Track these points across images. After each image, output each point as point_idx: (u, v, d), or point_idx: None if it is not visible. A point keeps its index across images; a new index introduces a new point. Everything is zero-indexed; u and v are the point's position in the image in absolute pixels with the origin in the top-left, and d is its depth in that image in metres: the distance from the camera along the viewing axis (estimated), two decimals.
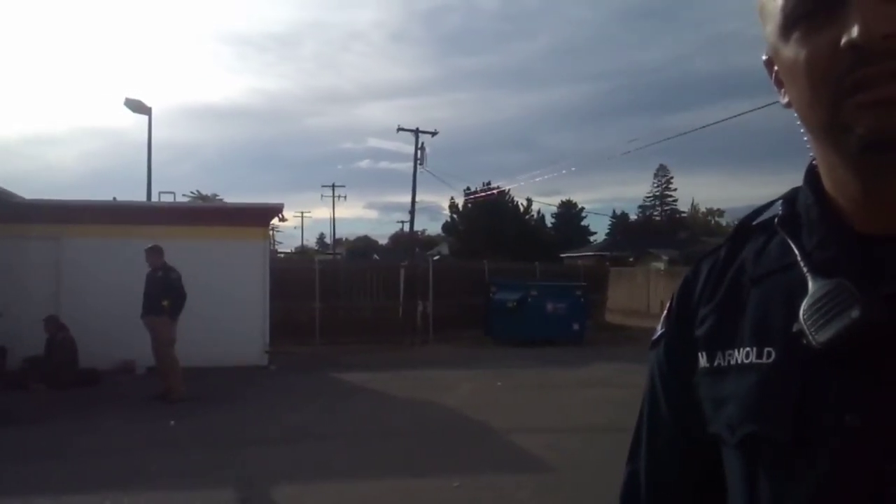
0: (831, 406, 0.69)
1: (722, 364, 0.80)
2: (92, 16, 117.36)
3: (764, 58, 0.78)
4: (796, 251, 0.76)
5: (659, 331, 0.92)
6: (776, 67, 0.75)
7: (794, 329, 0.71)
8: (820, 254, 0.74)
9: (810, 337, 0.69)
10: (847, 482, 0.67)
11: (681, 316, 0.88)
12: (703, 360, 0.83)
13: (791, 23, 0.69)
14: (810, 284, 0.72)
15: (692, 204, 70.84)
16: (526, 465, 6.75)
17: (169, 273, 9.73)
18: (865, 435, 0.66)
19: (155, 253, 9.81)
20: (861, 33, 0.63)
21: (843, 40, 0.64)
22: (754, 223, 0.86)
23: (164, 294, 9.62)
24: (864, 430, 0.66)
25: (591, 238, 57.23)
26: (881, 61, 0.63)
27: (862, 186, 0.70)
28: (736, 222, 0.90)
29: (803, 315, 0.70)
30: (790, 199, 0.83)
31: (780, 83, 0.76)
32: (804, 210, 0.78)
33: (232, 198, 56.72)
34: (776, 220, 0.82)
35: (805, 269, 0.74)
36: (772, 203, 0.86)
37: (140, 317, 9.70)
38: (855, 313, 0.67)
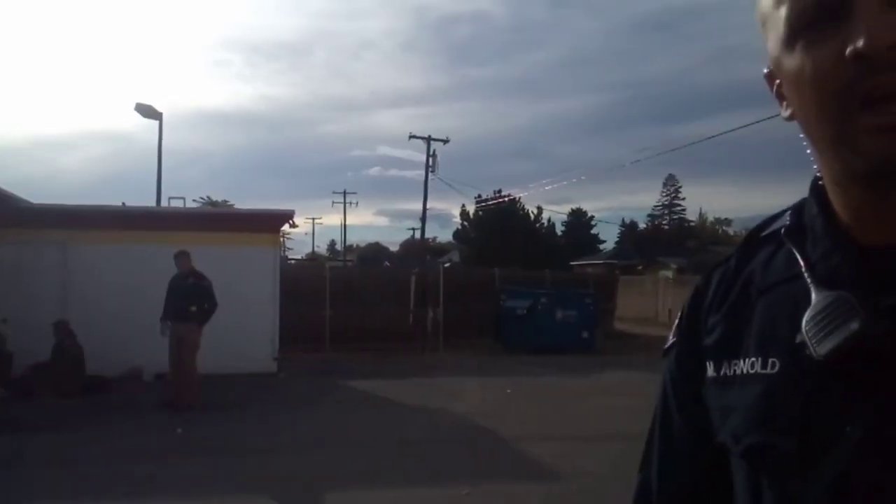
0: (833, 417, 0.69)
1: (728, 374, 0.80)
2: (101, 21, 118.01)
3: (765, 71, 0.77)
4: (801, 262, 0.76)
5: (670, 339, 0.93)
6: (777, 81, 0.74)
7: (797, 340, 0.72)
8: (823, 265, 0.74)
9: (812, 349, 0.70)
10: (848, 494, 0.67)
11: (691, 325, 0.89)
12: (710, 370, 0.83)
13: (795, 33, 0.68)
14: (813, 296, 0.72)
15: (700, 213, 70.49)
16: (536, 474, 6.69)
17: (200, 281, 9.79)
18: (866, 446, 0.67)
19: (184, 258, 9.92)
20: (866, 43, 0.62)
21: (848, 50, 0.63)
22: (764, 233, 0.86)
23: (194, 300, 9.66)
24: (864, 441, 0.67)
25: (601, 246, 57.09)
26: (887, 72, 0.62)
27: (865, 202, 0.71)
28: (744, 231, 0.89)
29: (805, 327, 0.71)
30: (798, 209, 0.82)
31: (781, 97, 0.75)
32: (809, 221, 0.79)
33: (242, 204, 56.66)
34: (783, 230, 0.82)
35: (809, 281, 0.74)
36: (782, 213, 0.86)
37: (160, 319, 9.72)
38: (855, 325, 0.67)
